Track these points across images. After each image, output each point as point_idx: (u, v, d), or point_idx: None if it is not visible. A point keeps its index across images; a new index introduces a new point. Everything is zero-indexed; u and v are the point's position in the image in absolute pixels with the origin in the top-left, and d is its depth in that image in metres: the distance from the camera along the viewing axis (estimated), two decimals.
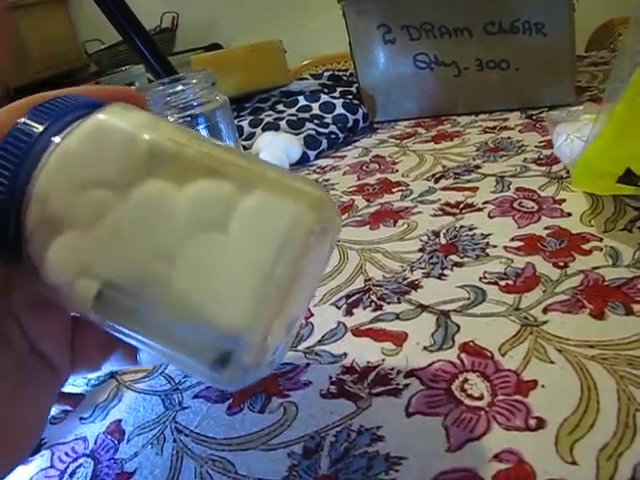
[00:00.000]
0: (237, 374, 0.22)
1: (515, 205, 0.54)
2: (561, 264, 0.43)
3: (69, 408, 0.42)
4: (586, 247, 0.45)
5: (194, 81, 0.54)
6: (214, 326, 0.21)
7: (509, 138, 0.74)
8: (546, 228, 0.49)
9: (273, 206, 0.22)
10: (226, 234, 0.21)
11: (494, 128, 0.80)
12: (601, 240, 0.45)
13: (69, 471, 0.36)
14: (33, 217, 0.22)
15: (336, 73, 1.09)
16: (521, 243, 0.47)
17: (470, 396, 0.33)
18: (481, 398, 0.32)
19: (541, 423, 0.30)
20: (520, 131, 0.76)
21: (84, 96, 0.26)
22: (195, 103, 0.54)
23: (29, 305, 0.27)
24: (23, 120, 0.24)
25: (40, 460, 0.38)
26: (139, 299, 0.22)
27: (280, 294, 0.22)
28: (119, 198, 0.22)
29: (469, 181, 0.63)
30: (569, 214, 0.51)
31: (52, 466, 0.37)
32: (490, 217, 0.53)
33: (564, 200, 0.53)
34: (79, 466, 0.37)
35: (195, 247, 0.21)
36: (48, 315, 0.28)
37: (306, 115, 0.89)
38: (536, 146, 0.69)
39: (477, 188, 0.60)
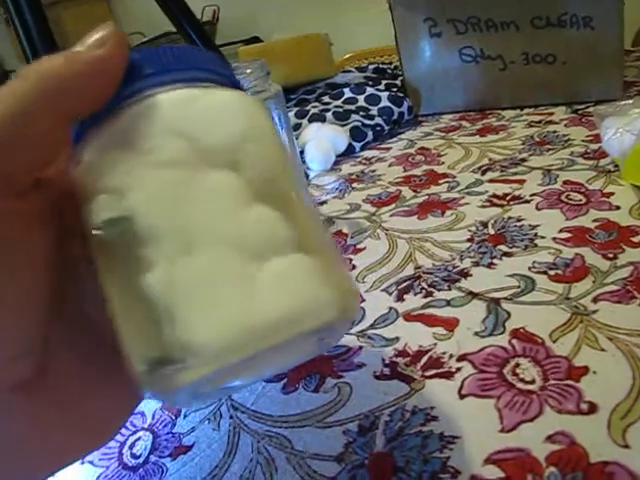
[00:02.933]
0: (160, 383, 0.20)
1: (563, 198, 0.55)
2: (610, 255, 0.44)
3: None
4: (635, 240, 0.45)
5: (248, 71, 0.55)
6: (183, 331, 0.19)
7: (555, 132, 0.74)
8: (594, 220, 0.49)
9: (304, 279, 0.21)
10: (254, 273, 0.20)
11: (539, 122, 0.80)
12: None
13: (129, 443, 0.38)
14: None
15: (380, 66, 1.10)
16: (569, 235, 0.48)
17: (522, 380, 0.33)
18: (533, 382, 0.33)
19: (593, 407, 0.30)
20: (566, 125, 0.76)
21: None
22: (249, 92, 0.55)
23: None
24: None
25: None
26: (150, 249, 0.20)
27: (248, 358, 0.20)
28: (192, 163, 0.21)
29: (515, 174, 0.63)
30: (618, 207, 0.51)
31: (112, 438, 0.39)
32: (538, 209, 0.54)
33: (612, 193, 0.53)
34: (138, 439, 0.38)
35: (219, 260, 0.20)
36: None
37: (352, 107, 0.90)
38: (583, 140, 0.69)
39: (524, 181, 0.61)
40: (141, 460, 0.36)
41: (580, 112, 0.80)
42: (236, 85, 0.25)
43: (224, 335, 0.19)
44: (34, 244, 0.22)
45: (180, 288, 0.20)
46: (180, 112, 0.22)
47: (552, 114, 0.82)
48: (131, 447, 0.38)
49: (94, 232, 0.22)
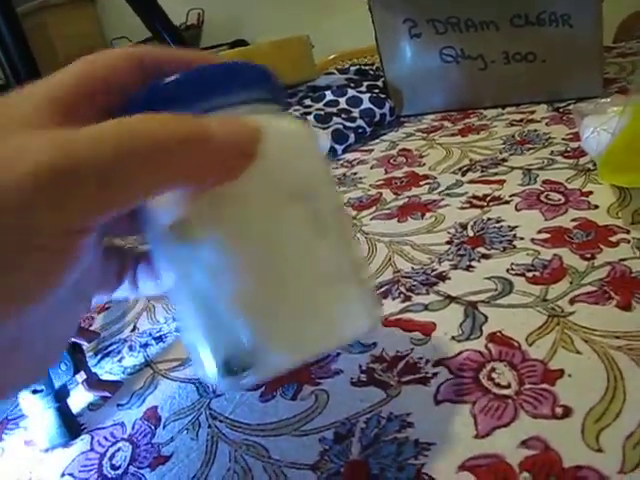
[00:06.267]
0: (237, 382, 0.23)
1: (542, 198, 0.55)
2: (588, 256, 0.44)
3: (107, 395, 0.43)
4: (613, 239, 0.45)
5: None
6: (264, 340, 0.22)
7: (536, 131, 0.74)
8: (573, 220, 0.49)
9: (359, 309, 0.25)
10: (324, 300, 0.23)
11: (521, 121, 0.80)
12: (628, 232, 0.46)
13: (108, 454, 0.38)
14: None
15: (362, 67, 1.10)
16: (548, 235, 0.48)
17: (497, 385, 0.33)
18: (508, 387, 0.33)
19: (567, 411, 0.31)
20: (547, 124, 0.76)
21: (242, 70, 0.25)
22: None
23: None
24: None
25: (81, 444, 0.40)
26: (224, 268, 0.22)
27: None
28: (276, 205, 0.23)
29: (496, 174, 0.63)
30: (596, 206, 0.51)
31: (92, 449, 0.39)
32: (517, 210, 0.54)
33: (591, 192, 0.54)
34: (118, 450, 0.38)
35: (298, 286, 0.23)
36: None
37: (333, 110, 0.90)
38: (563, 139, 0.69)
39: (504, 181, 0.61)
40: (120, 471, 0.36)
41: (561, 110, 0.80)
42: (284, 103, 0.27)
43: (296, 344, 0.23)
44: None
45: (265, 305, 0.23)
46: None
47: (533, 112, 0.82)
48: (111, 458, 0.38)
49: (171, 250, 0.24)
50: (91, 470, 0.37)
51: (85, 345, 0.45)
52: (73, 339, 0.44)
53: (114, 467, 0.37)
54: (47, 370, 0.28)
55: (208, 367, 0.24)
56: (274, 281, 0.22)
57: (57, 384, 0.40)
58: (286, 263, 0.23)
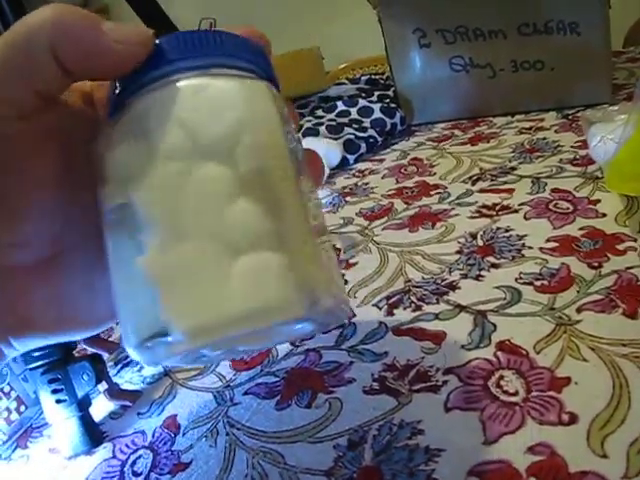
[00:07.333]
0: (145, 355, 0.23)
1: (551, 206, 0.56)
2: (595, 264, 0.44)
3: (128, 404, 0.45)
4: (620, 247, 0.46)
5: None
6: (164, 311, 0.21)
7: (545, 139, 0.75)
8: (581, 229, 0.50)
9: (271, 278, 0.22)
10: (229, 266, 0.21)
11: (530, 129, 0.81)
12: (635, 240, 0.46)
13: (130, 461, 0.39)
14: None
15: (373, 77, 1.11)
16: (556, 244, 0.49)
17: (506, 392, 0.34)
18: (516, 394, 0.34)
19: (573, 418, 0.31)
20: (556, 131, 0.77)
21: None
22: None
23: None
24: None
25: (103, 451, 0.41)
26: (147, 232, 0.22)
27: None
28: (195, 159, 0.22)
29: (505, 183, 0.64)
30: (604, 215, 0.52)
31: (114, 457, 0.40)
32: (526, 218, 0.55)
33: (599, 201, 0.54)
34: (139, 457, 0.39)
35: (201, 250, 0.21)
36: None
37: (345, 120, 0.91)
38: (572, 146, 0.70)
39: (513, 190, 0.62)
40: (142, 478, 0.37)
41: (570, 117, 0.81)
42: (264, 70, 0.26)
43: (196, 320, 0.21)
44: (40, 160, 0.24)
45: (165, 272, 0.22)
46: (185, 103, 0.22)
47: (543, 120, 0.83)
48: (132, 465, 0.39)
49: (104, 216, 0.24)
50: (114, 477, 0.38)
51: (106, 356, 0.46)
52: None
53: (136, 474, 0.38)
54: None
55: (129, 338, 0.23)
56: (179, 241, 0.21)
57: (80, 394, 0.42)
58: (193, 222, 0.22)
